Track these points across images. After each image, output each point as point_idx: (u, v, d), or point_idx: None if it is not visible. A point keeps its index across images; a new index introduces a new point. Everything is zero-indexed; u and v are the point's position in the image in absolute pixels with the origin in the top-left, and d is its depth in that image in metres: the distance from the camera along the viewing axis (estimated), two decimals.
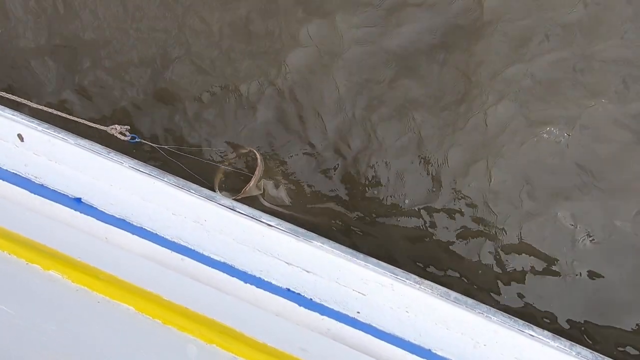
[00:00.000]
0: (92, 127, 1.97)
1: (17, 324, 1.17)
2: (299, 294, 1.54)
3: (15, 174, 1.62)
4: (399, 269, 1.58)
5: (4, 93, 2.01)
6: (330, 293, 1.54)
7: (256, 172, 2.16)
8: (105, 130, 1.99)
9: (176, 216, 1.58)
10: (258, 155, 2.24)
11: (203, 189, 1.63)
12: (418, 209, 2.24)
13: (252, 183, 2.15)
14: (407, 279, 1.54)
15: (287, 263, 1.55)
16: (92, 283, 1.27)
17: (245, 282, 1.51)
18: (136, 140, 2.03)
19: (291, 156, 2.38)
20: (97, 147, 1.64)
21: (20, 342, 1.15)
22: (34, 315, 1.20)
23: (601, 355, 1.45)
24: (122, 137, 1.99)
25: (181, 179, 1.63)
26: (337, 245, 1.58)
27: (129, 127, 2.02)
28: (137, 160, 1.66)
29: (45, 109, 1.95)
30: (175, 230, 1.58)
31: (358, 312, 1.54)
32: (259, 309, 1.41)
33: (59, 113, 1.94)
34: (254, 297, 1.46)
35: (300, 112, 2.41)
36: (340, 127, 2.35)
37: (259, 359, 1.24)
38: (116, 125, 2.01)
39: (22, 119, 1.63)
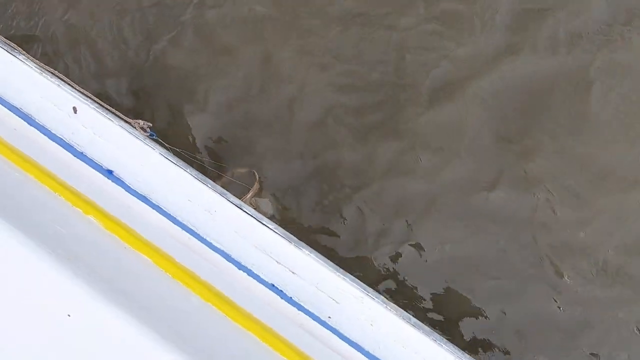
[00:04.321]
0: (118, 115, 2.20)
1: (66, 242, 1.38)
2: (281, 290, 1.75)
3: (62, 139, 1.86)
4: (370, 288, 1.82)
5: (57, 72, 2.27)
6: (309, 295, 1.76)
7: (254, 186, 2.44)
8: (129, 123, 2.20)
9: (191, 203, 1.82)
10: (257, 175, 2.53)
11: (217, 185, 1.89)
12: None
13: (248, 195, 2.41)
14: (376, 297, 1.78)
15: (277, 262, 1.78)
16: (120, 233, 1.50)
17: (239, 269, 1.73)
18: (154, 137, 2.27)
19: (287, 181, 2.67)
20: (136, 132, 1.91)
21: (65, 255, 1.35)
22: (79, 245, 1.41)
23: None
24: (143, 133, 2.22)
25: (201, 173, 1.89)
26: (322, 256, 1.83)
27: (151, 125, 2.26)
28: (166, 150, 1.93)
29: (83, 91, 2.18)
30: (187, 215, 1.81)
31: (329, 317, 1.75)
32: (248, 290, 1.62)
33: (93, 97, 2.19)
34: (244, 281, 1.68)
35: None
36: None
37: (242, 322, 1.44)
38: (139, 120, 2.24)
39: (80, 95, 1.91)
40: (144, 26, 2.90)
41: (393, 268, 2.48)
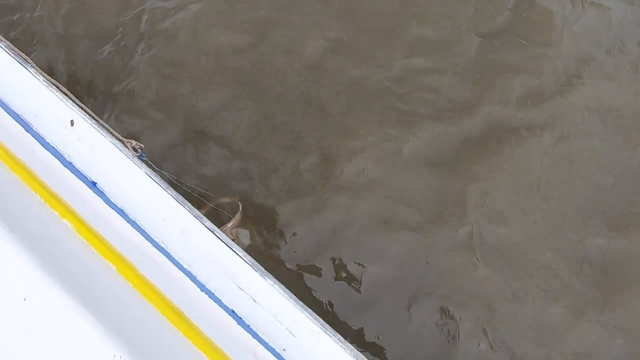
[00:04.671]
0: (113, 133, 2.30)
1: (35, 236, 1.44)
2: (240, 317, 1.79)
3: (54, 148, 1.97)
4: (328, 325, 1.85)
5: (62, 87, 2.40)
6: (266, 325, 1.79)
7: (236, 216, 2.50)
8: (122, 141, 2.31)
9: (166, 222, 1.90)
10: (240, 206, 2.61)
11: (194, 209, 1.98)
12: None
13: (229, 224, 2.47)
14: (333, 335, 1.81)
15: (239, 288, 1.82)
16: (91, 238, 1.57)
17: (202, 291, 1.77)
18: (144, 158, 2.37)
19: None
20: (126, 150, 2.02)
21: (31, 246, 1.41)
22: (48, 241, 1.48)
23: None
24: (133, 152, 2.32)
25: (180, 195, 1.98)
26: (285, 288, 1.88)
27: (143, 146, 2.36)
28: (151, 170, 2.02)
29: (84, 106, 2.30)
30: (161, 233, 1.88)
31: (284, 350, 1.77)
32: (206, 312, 1.66)
33: (92, 114, 2.31)
34: (205, 303, 1.72)
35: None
36: None
37: (195, 340, 1.47)
38: (132, 140, 2.35)
39: (78, 109, 2.04)
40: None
41: (355, 302, 2.55)
